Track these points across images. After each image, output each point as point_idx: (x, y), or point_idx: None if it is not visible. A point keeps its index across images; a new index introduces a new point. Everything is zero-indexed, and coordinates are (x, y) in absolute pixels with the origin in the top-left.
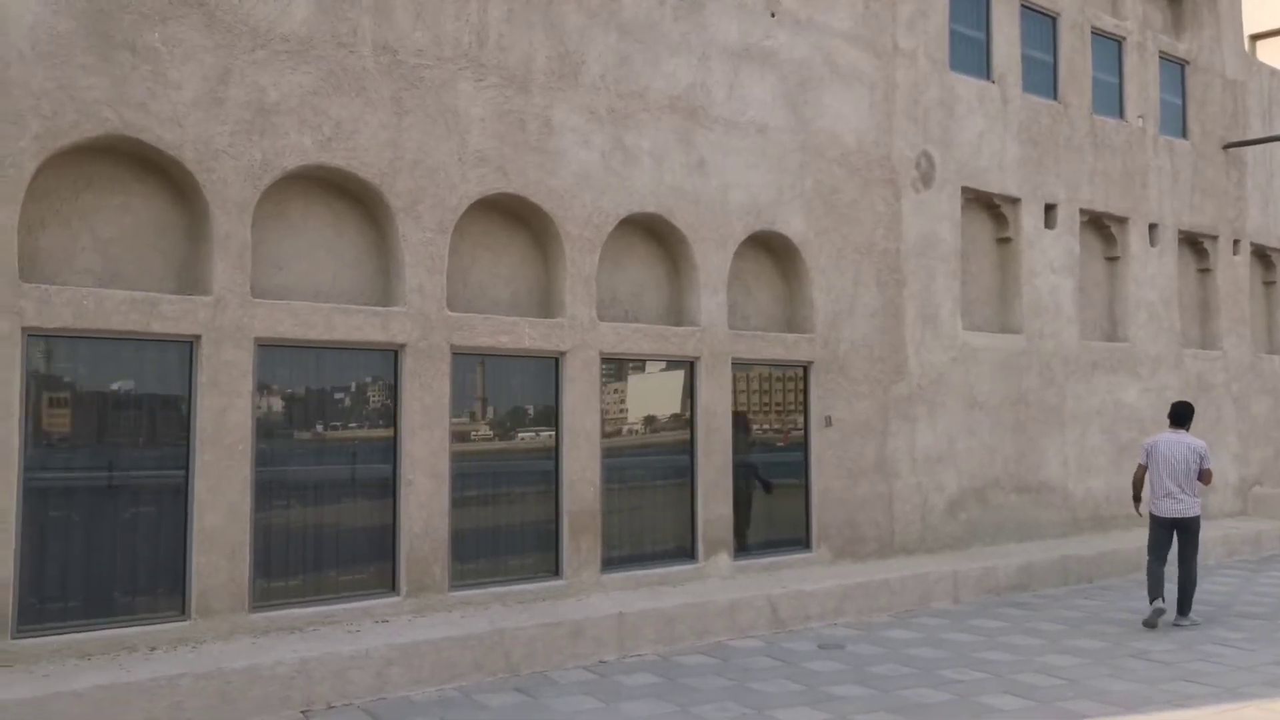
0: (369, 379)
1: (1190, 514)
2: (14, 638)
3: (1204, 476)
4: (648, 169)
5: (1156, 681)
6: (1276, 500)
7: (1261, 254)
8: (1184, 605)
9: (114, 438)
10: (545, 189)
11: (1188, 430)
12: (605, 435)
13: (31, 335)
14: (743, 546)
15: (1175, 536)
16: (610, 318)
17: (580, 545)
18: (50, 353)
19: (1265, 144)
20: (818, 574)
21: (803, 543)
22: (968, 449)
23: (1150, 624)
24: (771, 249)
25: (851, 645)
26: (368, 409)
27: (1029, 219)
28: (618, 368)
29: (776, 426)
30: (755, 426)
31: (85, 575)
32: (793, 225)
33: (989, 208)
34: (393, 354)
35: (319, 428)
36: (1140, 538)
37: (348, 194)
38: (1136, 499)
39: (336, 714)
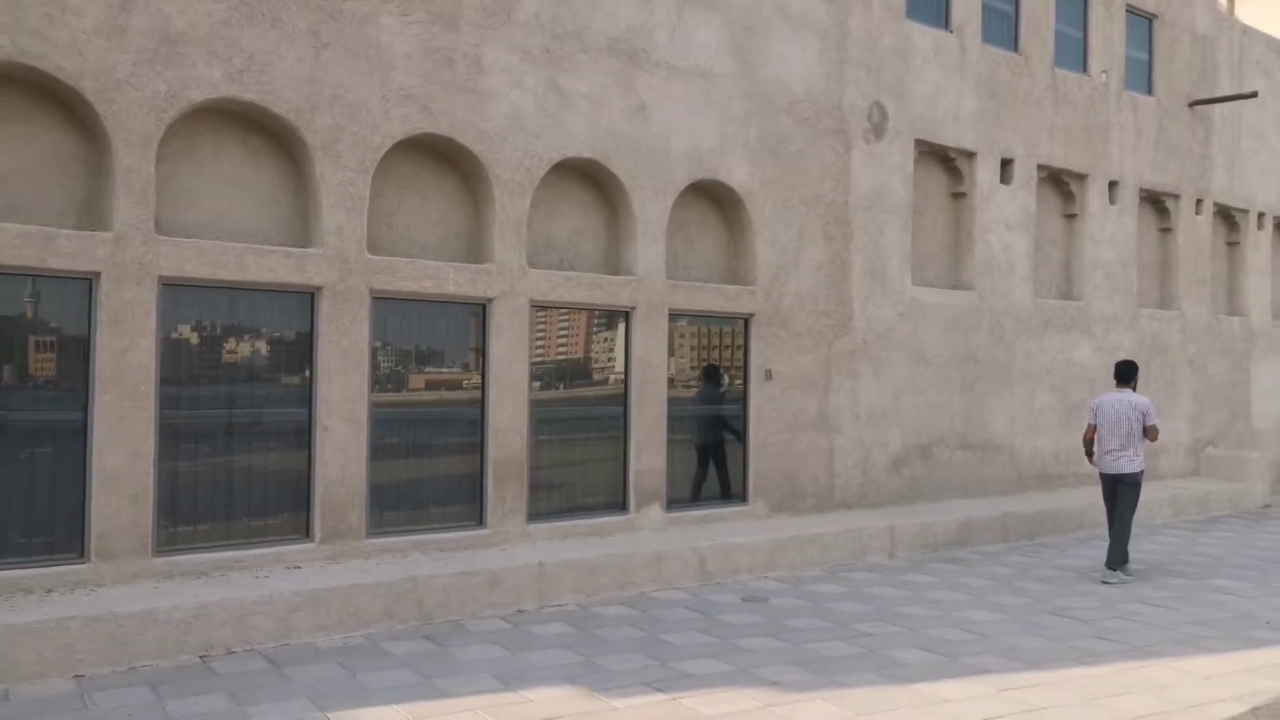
0: (284, 322)
1: (1129, 469)
2: None
3: (1149, 433)
4: (585, 113)
5: (1068, 639)
6: (1229, 461)
7: (1226, 215)
8: (1112, 559)
9: (7, 376)
10: (474, 130)
11: (1133, 388)
12: (535, 384)
13: None
14: (677, 499)
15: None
16: (544, 265)
17: (505, 495)
18: None
19: (1233, 103)
20: (751, 527)
21: (740, 496)
22: (914, 406)
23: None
24: (715, 199)
25: (775, 598)
26: (282, 353)
27: (984, 174)
28: (553, 316)
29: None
30: (682, 378)
31: None
32: (736, 175)
33: (943, 161)
34: (309, 296)
35: (230, 370)
36: (1085, 496)
37: (263, 130)
38: (1089, 454)
39: (235, 659)
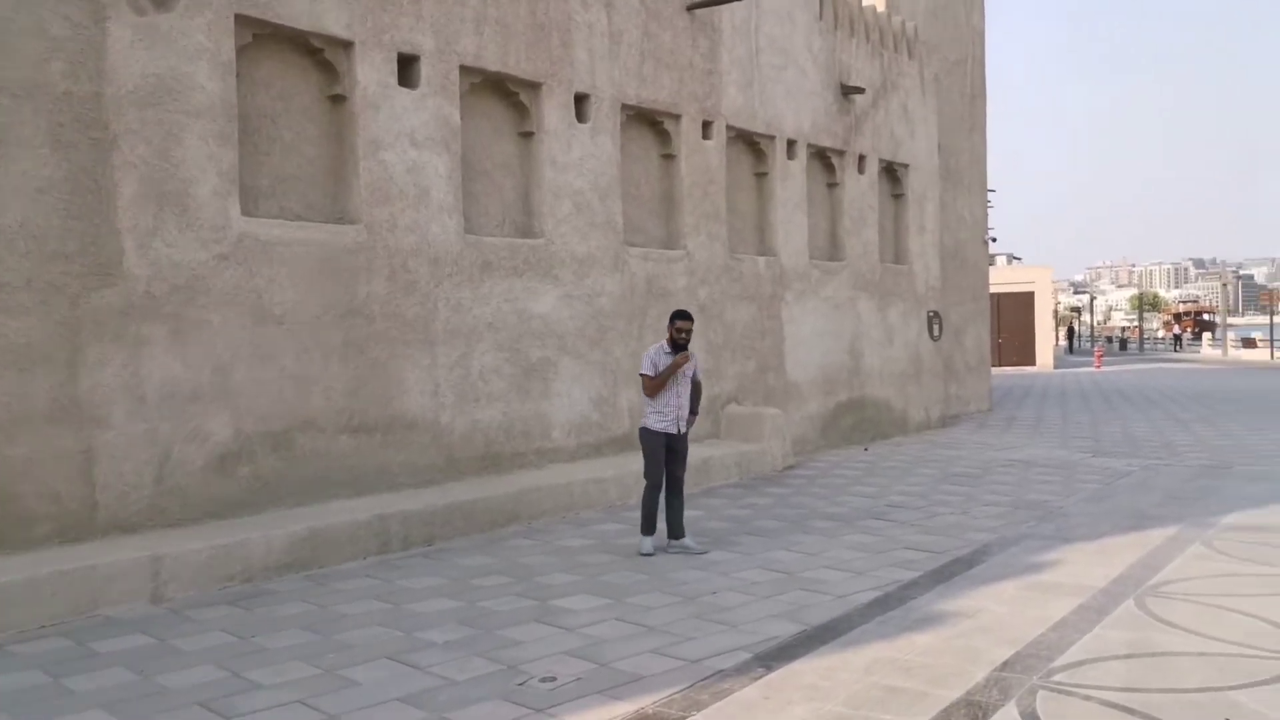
0: None
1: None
2: None
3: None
4: None
5: None
6: (750, 420)
7: (749, 141)
8: (671, 529)
9: None
10: None
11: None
12: None
13: None
14: None
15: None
16: None
17: None
18: None
19: (750, 13)
20: None
21: None
22: (257, 380)
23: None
24: None
25: None
26: None
27: (371, 73)
28: None
29: None
30: None
31: None
32: None
33: (310, 53)
34: None
35: None
36: (544, 478)
37: None
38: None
39: None
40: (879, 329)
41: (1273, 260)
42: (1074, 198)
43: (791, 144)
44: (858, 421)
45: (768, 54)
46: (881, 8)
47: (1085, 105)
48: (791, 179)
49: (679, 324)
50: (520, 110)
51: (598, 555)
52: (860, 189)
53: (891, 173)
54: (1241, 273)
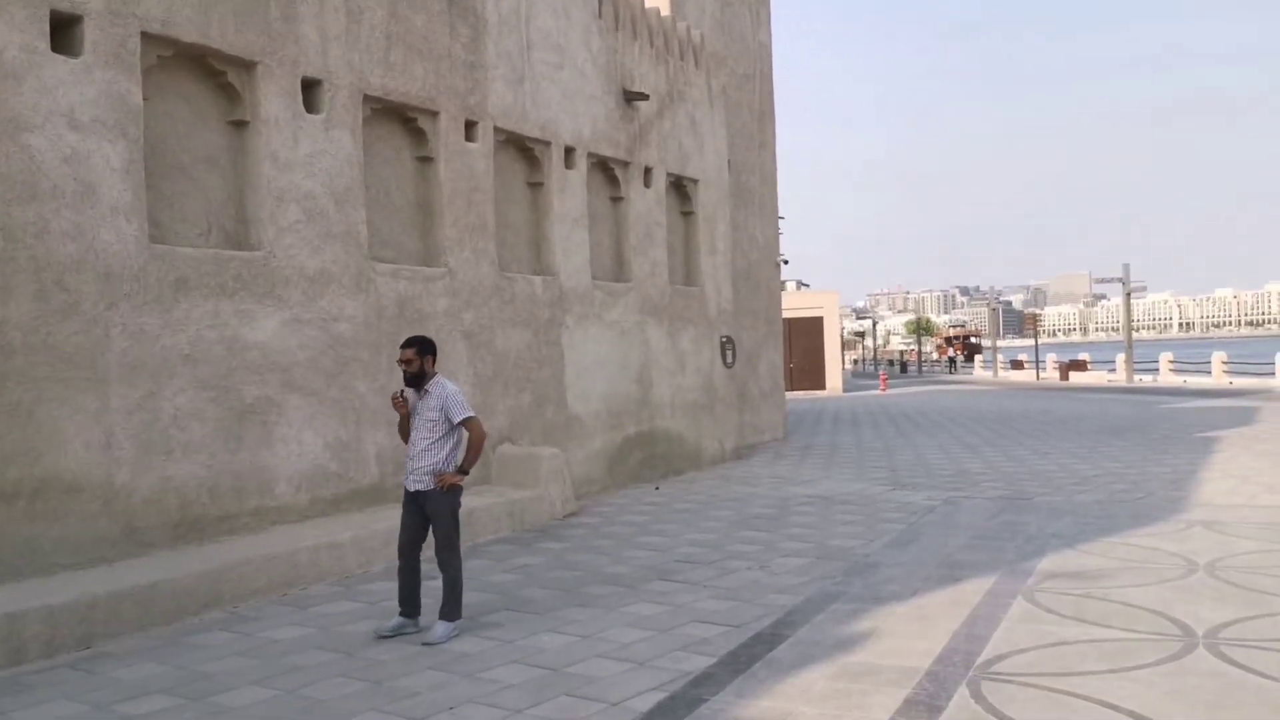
0: None
1: None
2: None
3: None
4: None
5: None
6: (524, 462)
7: (521, 146)
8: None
9: None
10: None
11: None
12: None
13: None
14: None
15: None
16: None
17: None
18: None
19: (514, 2)
20: None
21: None
22: None
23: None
24: None
25: None
26: None
27: (10, 33)
28: None
29: None
30: None
31: None
32: None
33: None
34: None
35: None
36: (239, 550)
37: None
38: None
39: None
40: (670, 356)
41: (1028, 288)
42: (855, 227)
43: (570, 151)
44: (648, 457)
45: (541, 50)
46: (666, 12)
47: (859, 139)
48: (571, 190)
49: (400, 354)
50: (231, 94)
51: (311, 653)
52: (647, 204)
53: (680, 188)
54: (1002, 299)
